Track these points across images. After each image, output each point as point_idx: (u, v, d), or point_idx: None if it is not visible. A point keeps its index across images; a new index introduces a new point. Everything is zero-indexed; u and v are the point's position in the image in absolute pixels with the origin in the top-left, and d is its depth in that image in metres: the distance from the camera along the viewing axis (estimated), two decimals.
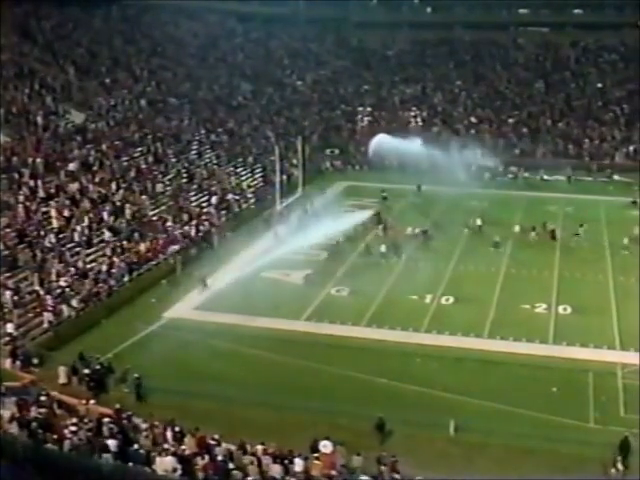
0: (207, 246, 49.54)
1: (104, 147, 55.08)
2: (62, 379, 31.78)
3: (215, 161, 64.00)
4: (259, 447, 24.58)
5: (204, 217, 52.53)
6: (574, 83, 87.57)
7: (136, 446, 23.64)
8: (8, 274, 38.10)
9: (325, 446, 25.49)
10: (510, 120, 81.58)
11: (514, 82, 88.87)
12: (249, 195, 60.05)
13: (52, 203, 45.92)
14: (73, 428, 23.83)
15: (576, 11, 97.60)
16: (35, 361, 32.63)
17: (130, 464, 21.88)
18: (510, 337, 36.69)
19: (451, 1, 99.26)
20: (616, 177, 68.99)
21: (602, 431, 28.51)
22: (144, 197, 51.53)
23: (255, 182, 63.40)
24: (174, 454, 23.02)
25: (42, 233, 42.57)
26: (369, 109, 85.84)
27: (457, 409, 29.67)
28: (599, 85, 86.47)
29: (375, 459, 25.15)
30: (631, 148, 74.83)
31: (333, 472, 24.02)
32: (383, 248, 48.35)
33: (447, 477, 24.13)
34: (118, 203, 48.96)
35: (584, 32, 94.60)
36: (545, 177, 69.67)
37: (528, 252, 49.42)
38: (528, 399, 30.59)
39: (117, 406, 27.29)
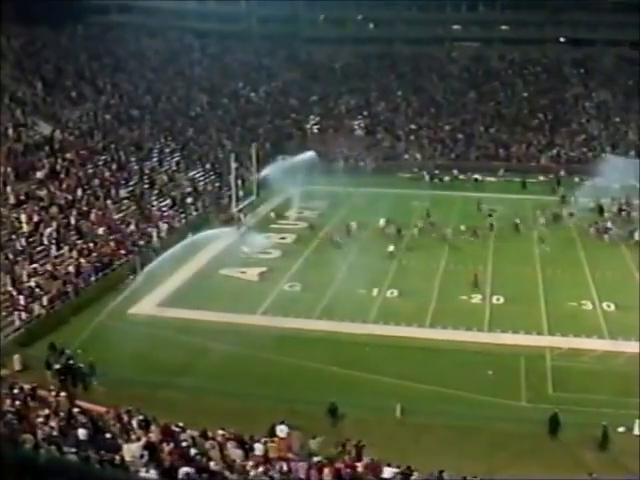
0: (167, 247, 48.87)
1: (70, 156, 54.07)
2: (17, 366, 31.84)
3: (175, 168, 63.22)
4: (219, 432, 24.29)
5: (164, 220, 51.89)
6: (503, 93, 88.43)
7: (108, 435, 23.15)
8: None
9: (281, 430, 25.37)
10: (446, 127, 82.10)
11: (449, 92, 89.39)
12: (207, 199, 59.44)
13: (22, 209, 45.06)
14: (41, 419, 23.27)
15: (503, 27, 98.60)
16: None
17: (101, 456, 21.35)
18: (450, 326, 36.98)
19: (392, 18, 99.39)
20: (541, 177, 69.82)
21: (534, 409, 29.02)
22: (108, 202, 50.75)
23: (212, 187, 62.78)
24: (138, 439, 22.57)
25: (13, 237, 41.81)
26: (317, 118, 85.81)
27: (403, 393, 29.81)
28: (525, 94, 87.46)
29: (336, 445, 25.00)
30: (554, 151, 76.00)
31: (289, 454, 23.88)
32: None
33: (396, 456, 24.06)
34: (84, 208, 48.24)
35: (511, 46, 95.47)
36: (478, 178, 69.99)
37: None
38: (467, 382, 30.89)
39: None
